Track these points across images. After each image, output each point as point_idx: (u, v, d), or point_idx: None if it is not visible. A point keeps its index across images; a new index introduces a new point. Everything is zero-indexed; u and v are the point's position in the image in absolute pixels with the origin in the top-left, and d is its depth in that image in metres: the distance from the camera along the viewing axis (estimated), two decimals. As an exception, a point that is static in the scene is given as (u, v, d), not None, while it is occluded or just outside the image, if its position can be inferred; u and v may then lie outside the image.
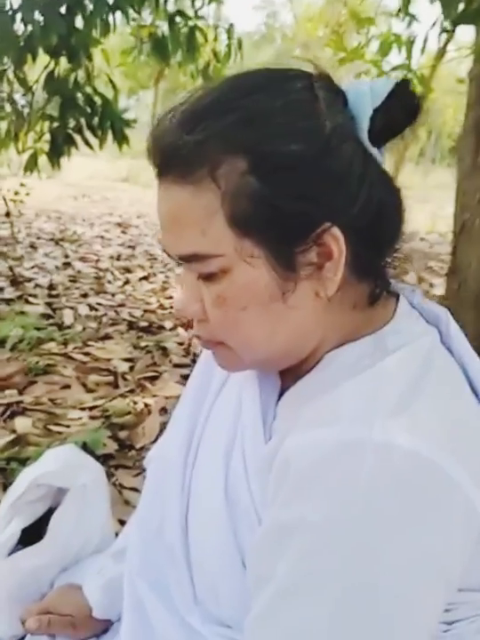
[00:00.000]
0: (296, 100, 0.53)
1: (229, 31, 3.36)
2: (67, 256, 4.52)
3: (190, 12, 3.36)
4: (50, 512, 1.21)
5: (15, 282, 3.61)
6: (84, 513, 1.15)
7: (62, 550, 1.10)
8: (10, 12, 2.89)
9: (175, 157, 0.54)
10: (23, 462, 1.69)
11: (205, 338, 0.63)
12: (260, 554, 0.57)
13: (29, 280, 3.71)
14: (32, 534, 1.15)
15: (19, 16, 2.95)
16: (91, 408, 2.10)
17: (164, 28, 3.32)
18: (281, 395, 0.67)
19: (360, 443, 0.50)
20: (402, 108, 0.55)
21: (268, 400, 0.67)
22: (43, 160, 3.64)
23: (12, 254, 4.34)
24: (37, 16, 2.93)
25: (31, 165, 3.68)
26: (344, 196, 0.53)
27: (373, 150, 0.55)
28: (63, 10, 3.04)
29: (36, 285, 3.60)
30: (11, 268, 3.89)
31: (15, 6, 2.95)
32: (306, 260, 0.54)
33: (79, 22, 3.15)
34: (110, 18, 3.04)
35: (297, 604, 0.51)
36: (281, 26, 27.36)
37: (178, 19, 3.23)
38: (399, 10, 2.49)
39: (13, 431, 1.90)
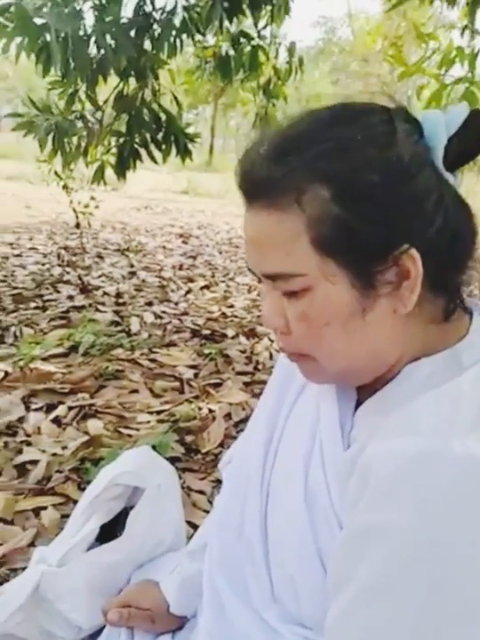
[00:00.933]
0: (376, 132, 0.57)
1: (291, 50, 3.42)
2: (132, 266, 4.67)
3: (252, 32, 3.44)
4: (125, 511, 1.28)
5: (85, 290, 3.77)
6: (159, 512, 1.21)
7: (138, 547, 1.16)
8: (84, 37, 3.03)
9: (264, 186, 0.59)
10: (96, 462, 1.79)
11: (289, 350, 0.67)
12: (342, 556, 0.59)
13: (97, 288, 3.86)
14: (108, 531, 1.23)
15: (92, 40, 3.11)
16: (158, 412, 2.19)
17: (226, 47, 3.42)
18: (357, 406, 0.70)
19: (440, 453, 0.52)
20: (476, 136, 0.59)
21: (345, 410, 0.70)
22: (108, 173, 3.80)
23: (81, 264, 4.53)
24: (109, 40, 3.08)
25: (98, 177, 3.84)
26: (421, 219, 0.57)
27: (448, 175, 0.59)
28: (133, 33, 3.19)
29: (104, 293, 3.75)
30: (80, 277, 4.07)
31: (89, 31, 3.11)
32: (385, 279, 0.58)
33: (147, 44, 3.30)
34: (176, 40, 3.15)
35: (380, 605, 0.53)
36: (339, 40, 27.33)
37: (241, 39, 3.31)
38: (465, 26, 2.48)
39: (86, 433, 1.99)
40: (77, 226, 4.79)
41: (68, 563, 1.10)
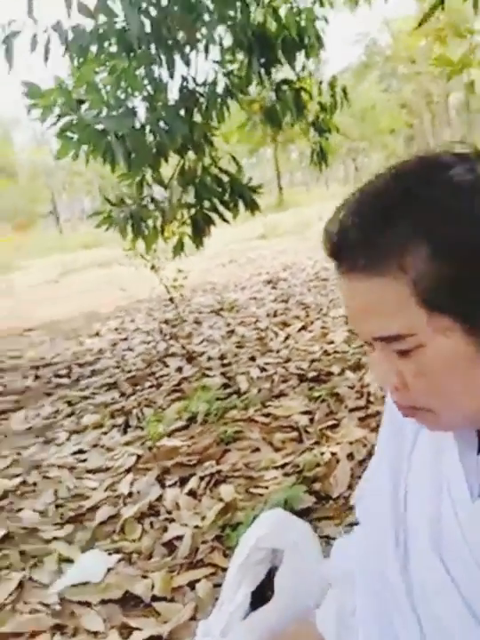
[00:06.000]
0: (460, 183, 0.59)
1: (332, 83, 3.49)
2: (228, 324, 4.82)
3: (291, 76, 3.55)
4: (271, 572, 1.33)
5: (190, 359, 3.94)
6: (302, 568, 1.24)
7: (290, 604, 1.19)
8: (140, 130, 3.28)
9: (361, 254, 0.60)
10: (235, 528, 1.85)
11: (406, 404, 0.68)
12: None
13: (202, 354, 4.02)
14: (259, 595, 1.27)
15: (147, 129, 3.36)
16: (282, 466, 2.22)
17: (271, 97, 3.54)
18: None
19: None
20: None
21: (466, 453, 0.71)
22: (187, 241, 4.00)
23: (182, 333, 4.74)
24: (162, 125, 3.31)
25: (178, 250, 4.06)
26: None
27: None
28: (182, 112, 3.41)
29: (209, 358, 3.89)
30: (183, 347, 4.26)
31: (143, 120, 3.37)
32: None
33: (197, 117, 3.50)
34: (222, 106, 3.33)
35: None
36: (380, 49, 27.19)
37: (283, 86, 3.43)
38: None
39: (220, 499, 2.07)
40: (171, 300, 5.03)
41: (229, 632, 1.16)
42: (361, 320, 0.64)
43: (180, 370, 3.77)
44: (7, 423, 3.37)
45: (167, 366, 3.92)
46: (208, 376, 3.49)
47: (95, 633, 1.53)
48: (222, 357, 3.85)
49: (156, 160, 3.53)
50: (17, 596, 1.75)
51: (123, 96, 3.10)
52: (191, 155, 3.78)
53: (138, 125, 3.30)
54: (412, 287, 0.59)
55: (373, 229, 0.60)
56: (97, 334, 5.52)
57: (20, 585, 1.80)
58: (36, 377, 4.25)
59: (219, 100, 3.28)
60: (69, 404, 3.51)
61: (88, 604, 1.65)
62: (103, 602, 1.65)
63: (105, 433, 2.96)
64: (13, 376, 4.41)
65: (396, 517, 0.82)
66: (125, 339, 5.08)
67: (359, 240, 0.60)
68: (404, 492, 0.83)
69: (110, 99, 3.04)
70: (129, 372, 3.97)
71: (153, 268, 4.58)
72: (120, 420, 3.06)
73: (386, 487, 0.85)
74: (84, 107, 3.13)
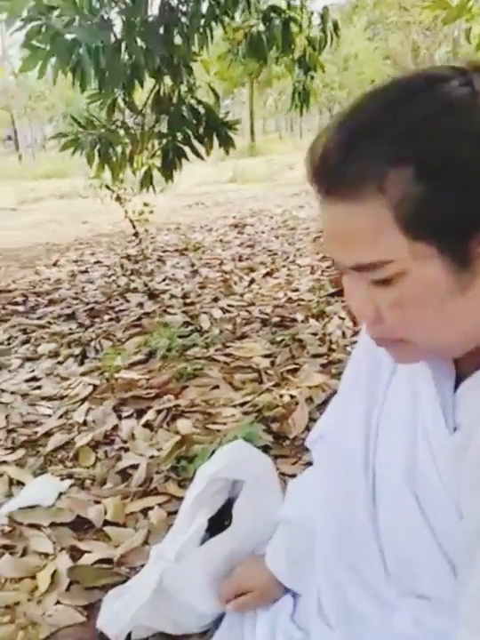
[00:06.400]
0: (456, 98, 0.54)
1: (324, 16, 3.31)
2: (193, 265, 4.74)
3: (281, 4, 3.36)
4: (228, 503, 1.32)
5: (152, 295, 3.86)
6: (261, 501, 1.24)
7: (247, 535, 1.20)
8: (115, 45, 3.08)
9: (341, 177, 0.56)
10: (191, 460, 1.84)
11: (381, 337, 0.66)
12: (473, 541, 0.60)
13: (164, 292, 3.94)
14: (216, 523, 1.27)
15: (123, 46, 3.15)
16: (241, 405, 2.22)
17: (257, 26, 3.36)
18: (457, 381, 0.69)
19: None
20: None
21: (443, 388, 0.69)
22: (155, 176, 3.84)
23: (144, 270, 4.63)
24: (140, 42, 3.11)
25: (146, 182, 3.89)
26: None
27: None
28: (161, 30, 3.21)
29: (171, 296, 3.82)
30: (145, 284, 4.17)
31: (119, 36, 3.15)
32: None
33: (177, 40, 3.30)
34: (206, 29, 3.14)
35: None
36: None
37: (271, 14, 3.24)
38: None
39: (177, 433, 2.05)
40: (136, 235, 4.89)
41: (185, 557, 1.16)
42: (339, 247, 0.61)
43: (140, 305, 3.70)
44: (-43, 346, 3.24)
45: (128, 301, 3.84)
46: (169, 314, 3.43)
47: (45, 554, 1.51)
48: (185, 296, 3.78)
49: (130, 82, 3.33)
50: (-37, 516, 1.70)
51: (98, 5, 2.88)
52: (167, 81, 3.59)
53: (113, 40, 3.09)
54: (393, 211, 0.55)
55: (351, 150, 0.55)
56: (55, 265, 5.34)
57: (-33, 505, 1.75)
58: (-10, 302, 4.10)
59: (202, 21, 3.08)
60: (24, 331, 3.40)
61: (38, 527, 1.62)
62: (53, 525, 1.62)
63: (60, 362, 2.88)
64: (-35, 300, 4.24)
65: (366, 455, 0.81)
66: (85, 271, 4.94)
67: (337, 161, 0.56)
68: (375, 432, 0.81)
69: (84, 7, 2.82)
70: (88, 304, 3.87)
71: (118, 199, 4.42)
72: (77, 351, 2.99)
73: (356, 424, 0.83)
74: (55, 13, 2.89)
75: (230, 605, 1.11)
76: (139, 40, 3.08)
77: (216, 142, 3.78)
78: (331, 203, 0.59)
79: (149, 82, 3.56)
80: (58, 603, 1.35)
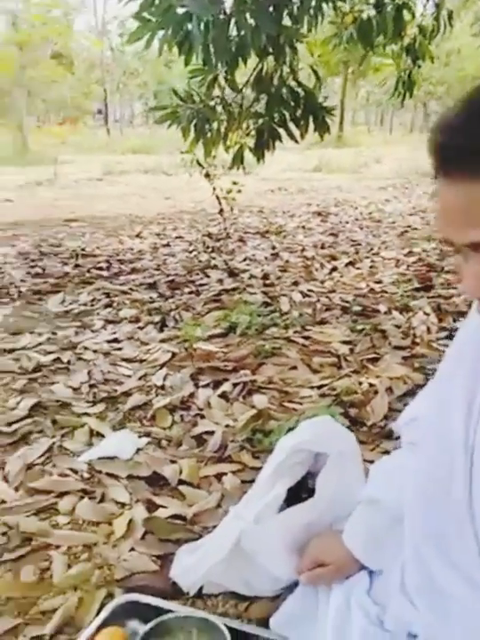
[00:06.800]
0: None
1: (440, 4, 3.21)
2: (274, 247, 4.74)
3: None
4: (307, 476, 1.33)
5: (232, 274, 3.89)
6: (344, 476, 1.24)
7: (328, 508, 1.20)
8: (224, 20, 3.08)
9: (466, 155, 0.58)
10: (266, 434, 1.85)
11: None
12: None
13: (244, 271, 3.97)
14: (291, 496, 1.28)
15: (232, 22, 3.15)
16: (318, 387, 2.21)
17: (367, 10, 3.29)
18: None
19: None
20: None
21: None
22: (246, 156, 3.84)
23: (225, 249, 4.68)
24: (249, 19, 3.10)
25: (237, 161, 3.90)
26: None
27: None
28: (271, 9, 3.18)
29: (251, 276, 3.84)
30: (226, 262, 4.21)
31: (228, 11, 3.15)
32: None
33: (285, 20, 3.27)
34: (317, 11, 3.10)
35: None
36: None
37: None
38: None
39: (253, 407, 2.07)
40: (221, 212, 4.93)
41: (264, 521, 1.17)
42: (455, 225, 0.62)
43: (220, 282, 3.74)
44: (44, 304, 3.39)
45: (208, 277, 3.89)
46: (249, 293, 3.45)
47: (122, 503, 1.57)
48: (265, 277, 3.80)
49: (234, 59, 3.34)
50: (46, 459, 1.79)
51: (211, -21, 2.88)
52: (270, 61, 3.58)
53: (223, 15, 3.10)
54: None
55: (475, 128, 0.57)
56: (138, 236, 5.48)
57: (50, 450, 1.84)
58: (76, 265, 4.26)
59: (313, 2, 3.04)
60: (107, 295, 3.52)
61: (116, 477, 1.68)
62: (130, 477, 1.68)
63: (141, 328, 2.96)
64: (53, 261, 4.42)
65: (466, 436, 0.80)
66: (167, 245, 5.03)
67: (461, 140, 0.58)
68: (477, 414, 0.80)
69: (198, -20, 2.83)
70: (168, 275, 3.95)
71: (208, 175, 4.46)
72: (157, 319, 3.06)
73: (457, 406, 0.82)
74: (169, -15, 2.92)
75: (305, 576, 1.12)
76: (248, 16, 3.07)
77: (311, 126, 3.74)
78: (451, 180, 0.60)
79: (251, 61, 3.55)
80: (132, 549, 1.40)
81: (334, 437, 1.30)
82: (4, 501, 1.59)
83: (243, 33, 3.15)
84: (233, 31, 3.19)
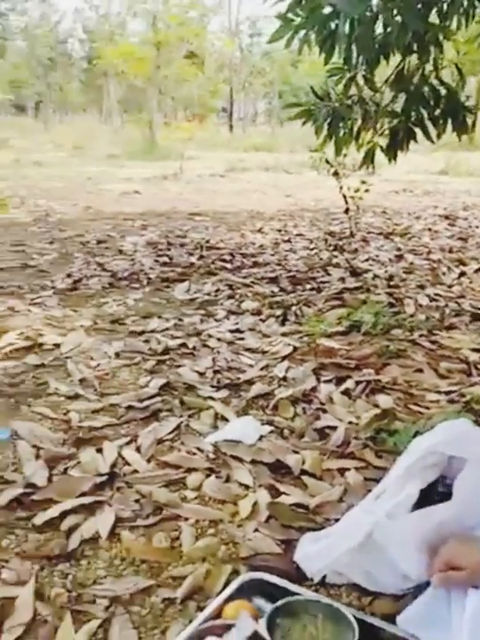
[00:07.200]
0: None
1: None
2: (399, 249, 4.64)
3: None
4: (438, 479, 1.30)
5: (354, 273, 3.85)
6: (482, 481, 1.20)
7: (465, 512, 1.17)
8: (372, 18, 3.05)
9: None
10: (391, 434, 1.82)
11: None
12: None
13: (366, 271, 3.92)
14: (422, 498, 1.25)
15: (379, 20, 3.11)
16: (446, 393, 2.14)
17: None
18: None
19: None
20: None
21: None
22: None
23: (348, 248, 4.64)
24: (395, 16, 3.05)
25: (368, 160, 3.83)
26: None
27: None
28: (419, 6, 3.11)
29: (375, 276, 3.78)
30: (348, 261, 4.18)
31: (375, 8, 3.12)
32: None
33: (433, 17, 3.18)
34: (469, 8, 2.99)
35: None
36: None
37: None
38: None
39: (376, 406, 2.05)
40: (347, 211, 4.90)
41: (397, 517, 1.16)
42: None
43: (342, 280, 3.72)
44: (171, 292, 3.54)
45: (329, 275, 3.88)
46: (372, 293, 3.40)
47: (246, 486, 1.62)
48: (390, 279, 3.73)
49: (376, 57, 3.30)
50: (175, 437, 1.88)
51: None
52: (413, 59, 3.49)
53: (369, 13, 3.07)
54: None
55: None
56: (260, 231, 5.56)
57: (178, 428, 1.93)
58: (201, 257, 4.41)
59: (465, 1, 2.93)
60: (230, 287, 3.61)
61: (240, 460, 1.73)
62: (254, 462, 1.73)
63: (262, 320, 3.02)
64: (179, 251, 4.60)
65: None
66: (288, 241, 5.08)
67: None
68: None
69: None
70: (289, 271, 3.99)
71: (336, 174, 4.44)
72: (278, 313, 3.10)
73: None
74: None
75: (437, 577, 1.10)
76: (395, 13, 3.02)
77: (449, 127, 3.61)
78: None
79: (392, 60, 3.49)
80: (256, 531, 1.44)
81: (474, 441, 1.26)
82: (136, 471, 1.69)
83: (389, 30, 3.10)
84: (378, 28, 3.16)
